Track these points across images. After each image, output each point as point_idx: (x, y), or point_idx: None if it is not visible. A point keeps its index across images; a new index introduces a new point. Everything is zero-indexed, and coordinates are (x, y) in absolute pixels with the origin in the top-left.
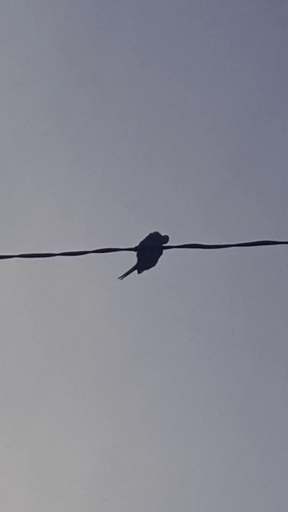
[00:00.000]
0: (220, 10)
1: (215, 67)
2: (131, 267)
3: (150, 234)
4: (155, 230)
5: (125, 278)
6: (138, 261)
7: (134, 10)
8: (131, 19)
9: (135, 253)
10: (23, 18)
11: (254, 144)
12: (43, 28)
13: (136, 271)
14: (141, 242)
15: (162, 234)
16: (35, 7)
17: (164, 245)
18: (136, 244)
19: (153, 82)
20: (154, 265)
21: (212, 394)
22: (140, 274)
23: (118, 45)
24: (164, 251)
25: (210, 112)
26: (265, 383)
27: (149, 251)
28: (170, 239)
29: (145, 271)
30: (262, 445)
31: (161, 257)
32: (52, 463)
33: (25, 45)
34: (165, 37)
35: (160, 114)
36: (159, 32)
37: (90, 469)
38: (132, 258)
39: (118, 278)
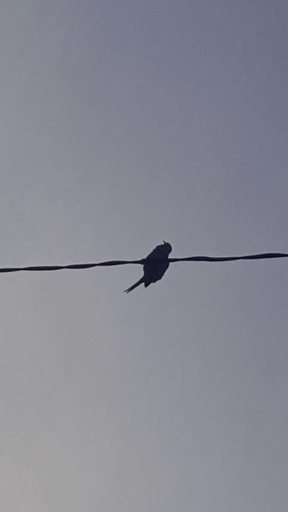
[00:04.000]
0: (227, 23)
1: (221, 81)
2: (137, 280)
3: (157, 247)
4: (163, 240)
5: (132, 290)
6: (144, 274)
7: (141, 26)
8: (138, 36)
9: (142, 266)
10: (30, 34)
11: (261, 156)
12: (50, 45)
13: (142, 284)
14: (148, 255)
15: (166, 244)
16: (42, 23)
17: (171, 257)
18: (143, 256)
19: (160, 97)
20: (160, 277)
21: (221, 409)
22: (147, 287)
23: (125, 61)
24: (171, 263)
25: (217, 125)
26: (274, 397)
27: (156, 264)
28: (176, 251)
29: (152, 284)
30: (270, 462)
31: (167, 269)
32: (59, 478)
33: (32, 62)
34: (172, 52)
35: (166, 128)
36: (166, 48)
37: (98, 485)
38: (138, 271)
39: (125, 291)
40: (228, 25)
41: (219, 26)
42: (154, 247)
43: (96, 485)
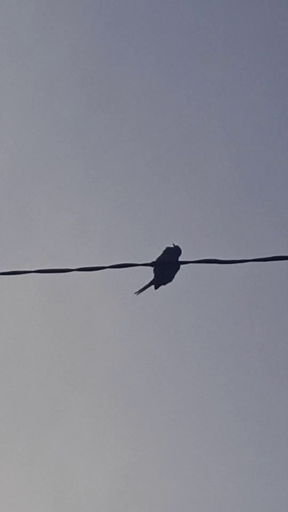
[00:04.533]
0: (234, 27)
1: (231, 87)
2: (148, 282)
3: (167, 249)
4: (173, 243)
5: (142, 293)
6: (154, 276)
7: (149, 31)
8: (146, 40)
9: (152, 268)
10: (38, 39)
11: (270, 158)
12: (58, 49)
13: (152, 286)
14: (158, 257)
15: (176, 247)
16: (50, 27)
17: (181, 260)
18: (153, 259)
19: (169, 100)
20: (171, 280)
21: (231, 413)
22: (157, 289)
23: (134, 64)
24: (181, 266)
25: (226, 127)
26: (284, 400)
27: (166, 266)
28: (186, 254)
29: (162, 286)
30: (275, 466)
31: (177, 272)
32: (69, 483)
33: (40, 66)
34: (180, 56)
35: (175, 130)
36: (174, 52)
37: (107, 490)
38: (149, 274)
39: (135, 293)
40: (235, 30)
41: (227, 29)
42: (164, 250)
43: (104, 488)
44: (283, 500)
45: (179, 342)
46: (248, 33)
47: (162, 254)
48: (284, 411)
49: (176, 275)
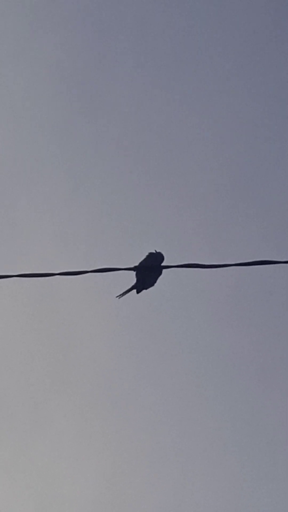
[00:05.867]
0: (224, 30)
1: (217, 90)
2: (129, 286)
3: (150, 253)
4: (155, 249)
5: (124, 297)
6: (136, 280)
7: (136, 35)
8: (134, 44)
9: (134, 273)
10: (24, 43)
11: (252, 164)
12: (44, 53)
13: (134, 290)
14: (141, 262)
15: (158, 252)
16: (37, 31)
17: (163, 264)
18: (135, 263)
19: (154, 104)
20: (153, 285)
21: (215, 415)
22: (139, 293)
23: (119, 68)
24: (163, 270)
25: (208, 133)
26: (265, 403)
27: (148, 271)
28: (168, 258)
29: (144, 291)
30: (265, 470)
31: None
32: (53, 487)
33: (26, 70)
34: (167, 61)
35: (158, 136)
36: (161, 57)
37: (92, 494)
38: (131, 278)
39: (116, 297)
40: (225, 33)
41: (216, 33)
42: (146, 254)
43: (88, 493)
44: (268, 506)
45: (161, 346)
46: (237, 34)
47: (144, 259)
48: (265, 409)
49: (158, 279)
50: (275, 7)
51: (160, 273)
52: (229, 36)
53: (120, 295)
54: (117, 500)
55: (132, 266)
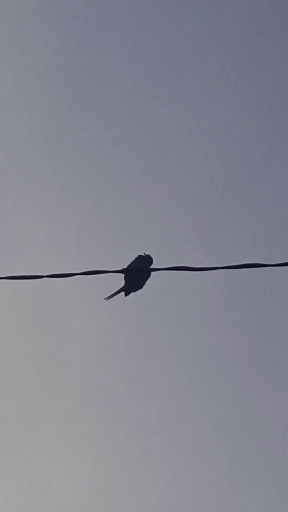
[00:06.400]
0: (216, 31)
1: (214, 91)
2: (118, 288)
3: (139, 256)
4: (143, 252)
5: (112, 299)
6: (125, 283)
7: (127, 37)
8: (124, 46)
9: (123, 275)
10: (13, 45)
11: (241, 167)
12: (33, 55)
13: (123, 293)
14: (129, 264)
15: (147, 255)
16: (26, 33)
17: (152, 267)
18: (123, 266)
19: (145, 106)
20: (141, 287)
21: (203, 418)
22: (127, 296)
23: (111, 70)
24: (152, 273)
25: (198, 135)
26: (255, 406)
27: (136, 273)
28: (157, 261)
29: (132, 293)
30: (259, 471)
31: (148, 279)
32: (42, 490)
33: (15, 72)
34: (158, 63)
35: (148, 139)
36: (152, 59)
37: (82, 495)
38: (119, 280)
39: (104, 299)
40: (222, 33)
41: (212, 33)
42: (135, 257)
43: (77, 497)
44: (264, 506)
45: (149, 349)
46: (230, 36)
47: (133, 261)
48: (253, 412)
49: (147, 282)
50: (275, 7)
51: (149, 276)
52: (227, 37)
53: (108, 297)
54: (108, 501)
55: (120, 268)
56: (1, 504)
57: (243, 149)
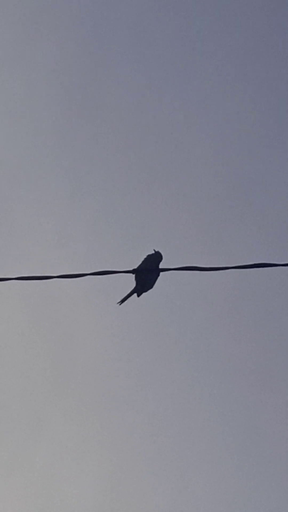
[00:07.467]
0: (220, 33)
1: (216, 93)
2: (128, 289)
3: (148, 256)
4: (153, 249)
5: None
6: (136, 284)
7: (134, 38)
8: (131, 47)
9: (133, 275)
10: (22, 46)
11: (251, 168)
12: (42, 56)
13: (135, 294)
14: (140, 265)
15: (156, 252)
16: (35, 34)
17: (162, 267)
18: (134, 266)
19: (153, 107)
20: (151, 287)
21: (215, 418)
22: (139, 297)
23: (117, 72)
24: (162, 273)
25: (207, 137)
26: (264, 405)
27: (147, 273)
28: (167, 261)
29: (143, 294)
30: (265, 478)
31: (158, 279)
32: (51, 492)
33: (24, 73)
34: (164, 64)
35: (158, 138)
36: (158, 60)
37: (91, 496)
38: (129, 280)
39: (117, 303)
40: (224, 35)
41: (214, 35)
42: (144, 257)
43: (88, 497)
44: (267, 507)
45: (160, 349)
46: (232, 38)
47: (143, 261)
48: (265, 416)
49: (157, 282)
50: (275, 7)
51: (158, 274)
52: (228, 38)
53: (121, 301)
54: (116, 502)
55: (131, 269)
56: (13, 504)
57: (254, 150)
